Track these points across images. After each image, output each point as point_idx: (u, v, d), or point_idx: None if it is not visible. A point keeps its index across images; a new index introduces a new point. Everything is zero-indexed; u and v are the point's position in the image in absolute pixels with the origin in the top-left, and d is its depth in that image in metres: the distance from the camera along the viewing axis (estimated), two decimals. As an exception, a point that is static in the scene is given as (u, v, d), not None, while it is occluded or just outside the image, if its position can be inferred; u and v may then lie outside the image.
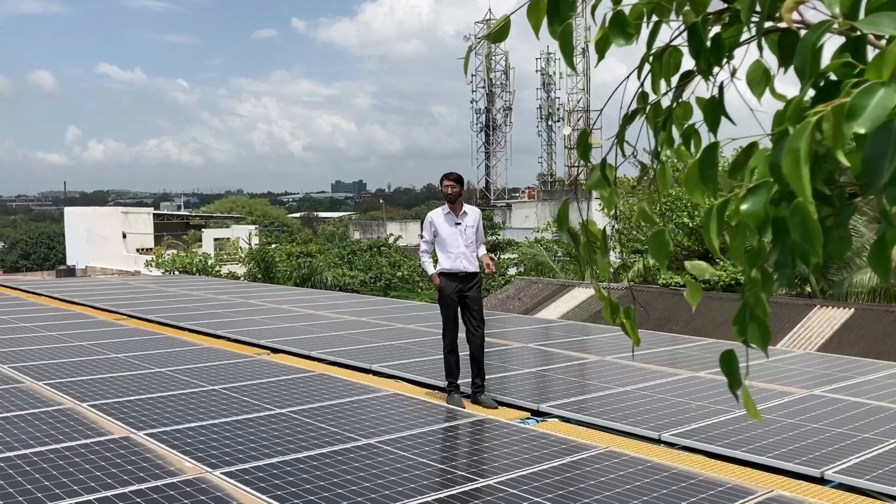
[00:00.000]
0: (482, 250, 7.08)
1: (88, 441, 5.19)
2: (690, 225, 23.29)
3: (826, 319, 15.39)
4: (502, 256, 29.29)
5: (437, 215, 7.05)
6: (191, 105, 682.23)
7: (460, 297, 6.93)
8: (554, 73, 58.74)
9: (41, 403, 6.21)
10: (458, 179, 7.04)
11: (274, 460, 4.88)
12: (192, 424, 5.67)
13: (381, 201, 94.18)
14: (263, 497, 4.23)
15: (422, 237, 7.23)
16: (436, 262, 7.07)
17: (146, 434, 5.38)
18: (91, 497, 4.18)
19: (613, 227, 27.71)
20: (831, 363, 8.87)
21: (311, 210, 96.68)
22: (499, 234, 34.20)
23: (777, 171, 1.12)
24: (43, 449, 5.00)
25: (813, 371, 8.31)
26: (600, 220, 27.45)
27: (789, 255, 1.20)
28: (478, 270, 7.01)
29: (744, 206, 1.19)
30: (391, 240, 37.78)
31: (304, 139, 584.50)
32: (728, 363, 1.59)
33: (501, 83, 59.18)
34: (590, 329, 11.88)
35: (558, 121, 59.23)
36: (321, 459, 4.91)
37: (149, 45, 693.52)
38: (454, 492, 4.39)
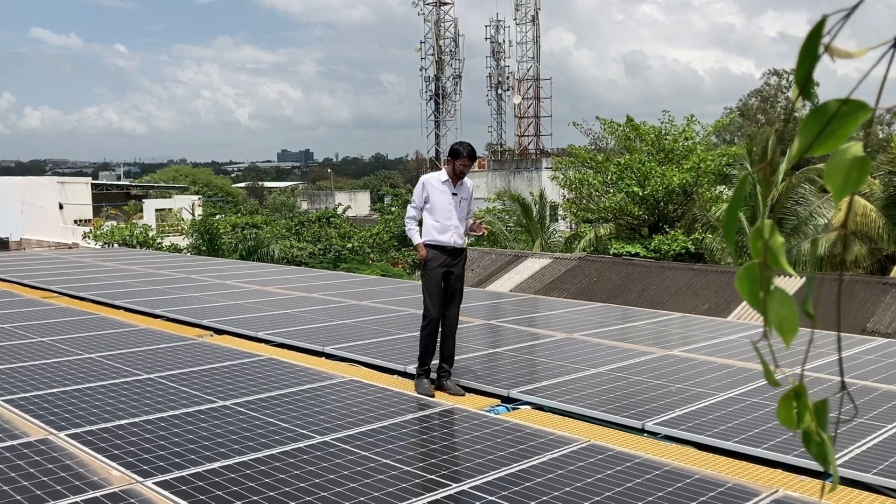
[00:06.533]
0: (469, 222, 6.39)
1: (-2, 446, 4.50)
2: (641, 194, 22.98)
3: (779, 289, 15.22)
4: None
5: (434, 181, 6.26)
6: (131, 72, 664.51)
7: (445, 273, 6.22)
8: (504, 41, 57.99)
9: (-52, 399, 5.47)
10: (475, 156, 6.26)
11: (216, 465, 4.26)
12: (123, 422, 5.01)
13: (328, 171, 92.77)
14: (203, 514, 3.62)
15: (412, 202, 6.36)
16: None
17: (68, 435, 4.71)
18: (-5, 519, 3.53)
19: (564, 196, 27.39)
20: (801, 337, 8.52)
21: (257, 180, 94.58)
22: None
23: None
24: (-57, 457, 4.30)
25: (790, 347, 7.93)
26: (552, 190, 26.94)
27: None
28: (465, 246, 6.37)
29: None
30: (340, 210, 36.95)
31: (250, 107, 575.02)
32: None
33: (451, 51, 58.25)
34: (550, 303, 11.42)
35: (508, 90, 58.58)
36: (270, 463, 4.31)
37: (85, 9, 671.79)
38: (425, 501, 3.83)
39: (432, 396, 5.87)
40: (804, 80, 0.85)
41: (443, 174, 6.28)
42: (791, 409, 0.95)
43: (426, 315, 6.22)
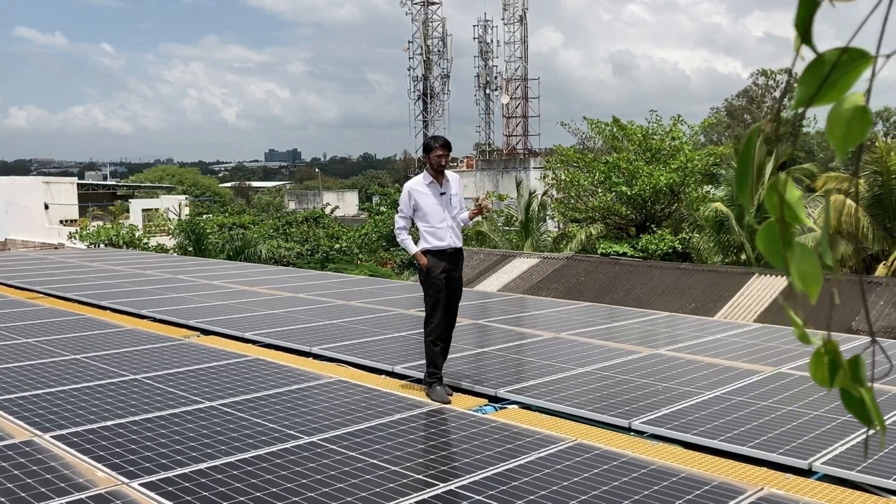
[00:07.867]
0: (464, 215, 6.24)
1: (-17, 448, 4.47)
2: (628, 193, 23.04)
3: (764, 288, 15.31)
4: None
5: (418, 186, 6.11)
6: (117, 71, 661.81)
7: (446, 279, 6.08)
8: (491, 41, 58.05)
9: (-68, 400, 5.43)
10: (449, 146, 6.13)
11: (203, 465, 4.25)
12: (109, 423, 4.99)
13: (316, 171, 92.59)
14: (189, 515, 3.61)
15: (399, 212, 6.23)
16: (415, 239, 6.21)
17: (53, 437, 4.68)
18: (-21, 522, 3.51)
19: (552, 196, 27.44)
20: (789, 336, 8.58)
21: (244, 180, 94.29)
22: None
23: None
24: (-73, 459, 4.27)
25: (775, 346, 7.99)
26: (540, 188, 26.89)
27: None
28: (461, 245, 6.25)
29: None
30: (328, 210, 36.88)
31: (237, 106, 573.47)
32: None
33: (439, 50, 58.26)
34: (538, 302, 11.43)
35: (496, 90, 58.64)
36: (256, 464, 4.30)
37: (70, 7, 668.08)
38: (413, 500, 3.83)
39: (449, 403, 5.75)
40: (805, 25, 0.82)
41: (425, 177, 6.13)
42: (823, 368, 0.93)
43: (429, 323, 6.07)
